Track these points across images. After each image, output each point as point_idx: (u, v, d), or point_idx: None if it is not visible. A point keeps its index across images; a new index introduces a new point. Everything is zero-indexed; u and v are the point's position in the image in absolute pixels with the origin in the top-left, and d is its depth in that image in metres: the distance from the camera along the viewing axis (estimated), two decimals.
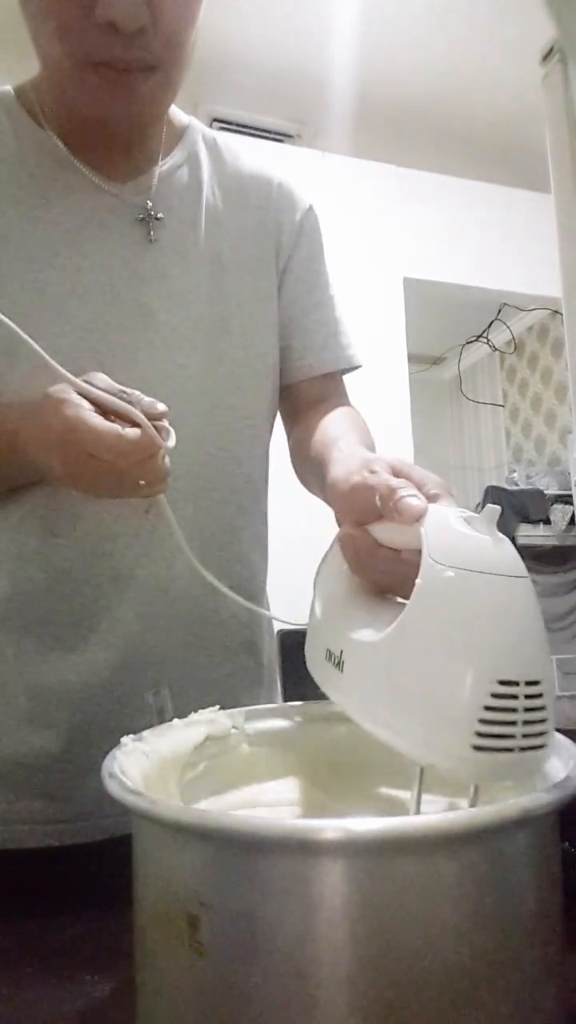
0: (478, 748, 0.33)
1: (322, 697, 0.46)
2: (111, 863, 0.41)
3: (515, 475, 4.00)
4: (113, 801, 0.33)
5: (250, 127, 2.92)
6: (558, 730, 0.39)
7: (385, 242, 2.96)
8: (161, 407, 0.50)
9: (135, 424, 0.48)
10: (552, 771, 0.36)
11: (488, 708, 0.33)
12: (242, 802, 0.46)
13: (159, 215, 0.67)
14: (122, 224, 0.66)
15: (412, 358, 3.04)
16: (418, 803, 0.39)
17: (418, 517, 0.39)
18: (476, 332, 4.53)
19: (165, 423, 0.50)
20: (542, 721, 0.34)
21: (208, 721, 0.47)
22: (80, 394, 0.48)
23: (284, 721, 0.50)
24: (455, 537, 0.37)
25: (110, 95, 0.57)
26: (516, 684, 0.33)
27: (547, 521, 3.34)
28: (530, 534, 3.32)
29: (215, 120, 2.87)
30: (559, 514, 3.30)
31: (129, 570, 0.64)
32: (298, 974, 0.27)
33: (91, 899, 0.51)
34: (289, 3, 2.43)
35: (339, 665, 0.42)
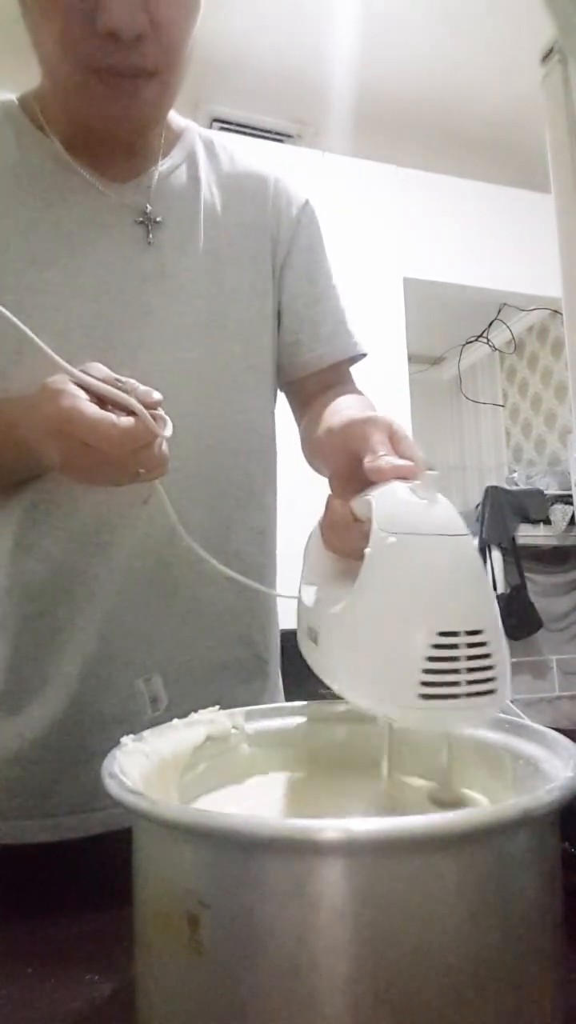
0: (425, 697, 0.36)
1: (321, 697, 0.46)
2: (110, 860, 0.41)
3: (515, 475, 4.00)
4: (107, 792, 0.33)
5: (250, 127, 2.92)
6: (558, 730, 0.39)
7: (385, 242, 2.96)
8: (156, 396, 0.50)
9: (131, 413, 0.48)
10: (552, 771, 0.36)
11: (431, 659, 0.36)
12: (242, 802, 0.46)
13: (158, 218, 0.68)
14: (122, 225, 0.67)
15: (412, 358, 3.04)
16: (388, 760, 0.44)
17: (383, 478, 0.42)
18: (476, 332, 4.53)
19: (161, 412, 0.51)
20: (487, 668, 0.36)
21: (208, 721, 0.47)
22: (77, 384, 0.49)
23: (284, 721, 0.50)
24: (399, 505, 0.40)
25: (112, 100, 0.59)
26: (456, 634, 0.36)
27: (547, 521, 3.33)
28: (530, 534, 3.32)
29: (215, 120, 2.86)
30: (559, 514, 3.30)
31: (126, 560, 0.64)
32: (298, 974, 0.27)
33: (91, 899, 0.51)
34: (289, 3, 2.43)
35: (315, 639, 0.45)
